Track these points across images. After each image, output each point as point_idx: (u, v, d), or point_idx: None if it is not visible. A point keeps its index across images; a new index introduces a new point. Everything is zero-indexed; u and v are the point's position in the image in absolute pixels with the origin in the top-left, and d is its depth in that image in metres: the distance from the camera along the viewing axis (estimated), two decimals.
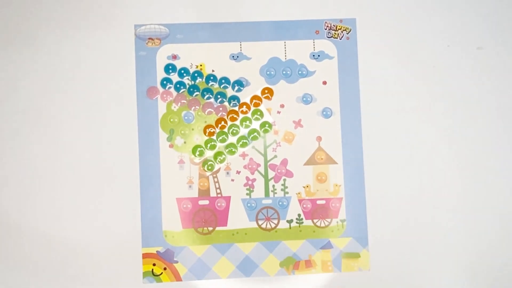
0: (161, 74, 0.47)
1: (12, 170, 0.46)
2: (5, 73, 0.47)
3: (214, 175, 0.47)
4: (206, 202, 0.47)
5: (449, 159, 0.48)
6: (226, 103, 0.47)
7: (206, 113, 0.47)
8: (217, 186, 0.47)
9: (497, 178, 0.48)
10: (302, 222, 0.47)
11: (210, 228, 0.47)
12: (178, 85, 0.47)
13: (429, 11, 0.49)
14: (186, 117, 0.47)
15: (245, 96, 0.48)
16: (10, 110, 0.47)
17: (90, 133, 0.47)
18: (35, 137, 0.46)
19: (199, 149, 0.47)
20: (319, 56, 0.48)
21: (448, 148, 0.48)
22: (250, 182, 0.47)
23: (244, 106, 0.48)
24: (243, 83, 0.48)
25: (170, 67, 0.47)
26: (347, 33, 0.48)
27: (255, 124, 0.47)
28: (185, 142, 0.47)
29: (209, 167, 0.47)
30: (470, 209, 0.48)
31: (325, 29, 0.48)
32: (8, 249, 0.46)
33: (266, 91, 0.48)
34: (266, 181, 0.47)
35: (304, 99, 0.48)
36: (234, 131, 0.47)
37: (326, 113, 0.48)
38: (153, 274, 0.46)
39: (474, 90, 0.48)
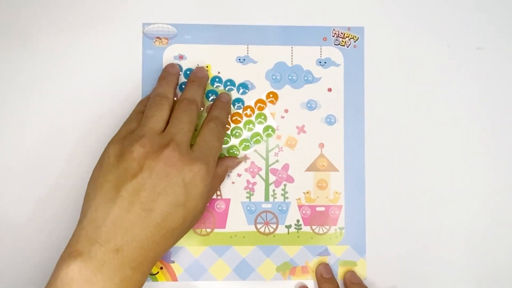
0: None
1: (13, 169, 0.46)
2: (6, 70, 0.47)
3: None
4: None
5: (453, 169, 0.48)
6: None
7: None
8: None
9: (499, 182, 0.48)
10: (301, 228, 0.47)
11: (208, 230, 0.47)
12: (183, 86, 0.47)
13: (440, 25, 0.49)
14: None
15: (249, 99, 0.48)
16: (11, 107, 0.46)
17: (95, 131, 0.47)
18: (37, 135, 0.46)
19: None
20: (325, 63, 0.48)
21: (453, 158, 0.48)
22: (250, 186, 0.47)
23: (248, 109, 0.48)
24: (248, 86, 0.48)
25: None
26: (355, 41, 0.48)
27: (258, 128, 0.47)
28: None
29: None
30: (474, 222, 0.48)
31: (333, 36, 0.48)
32: (6, 247, 0.46)
33: (271, 95, 0.48)
34: (267, 185, 0.47)
35: (309, 105, 0.48)
36: (237, 134, 0.47)
37: (330, 120, 0.48)
38: (149, 273, 0.46)
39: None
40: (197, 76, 0.46)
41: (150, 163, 0.38)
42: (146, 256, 0.38)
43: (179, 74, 0.47)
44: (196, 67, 0.47)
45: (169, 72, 0.46)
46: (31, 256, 0.45)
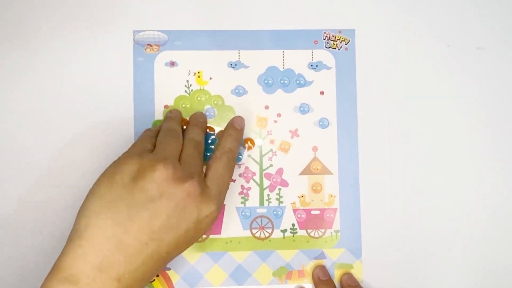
0: (158, 82, 0.47)
1: (10, 173, 0.46)
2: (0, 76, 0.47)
3: None
4: None
5: (450, 171, 0.48)
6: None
7: None
8: None
9: (498, 184, 0.48)
10: (296, 232, 0.47)
11: (204, 236, 0.47)
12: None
13: (439, 25, 0.49)
14: None
15: (242, 103, 0.47)
16: (6, 113, 0.46)
17: (86, 138, 0.46)
18: (30, 141, 0.46)
19: None
20: (317, 66, 0.48)
21: (450, 160, 0.48)
22: (245, 191, 0.47)
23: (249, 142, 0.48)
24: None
25: None
26: (346, 44, 0.48)
27: None
28: None
29: None
30: (471, 225, 0.48)
31: (324, 39, 0.48)
32: (4, 245, 0.45)
33: (249, 141, 0.47)
34: (261, 190, 0.47)
35: (301, 108, 0.48)
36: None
37: (323, 124, 0.48)
38: None
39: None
40: (199, 121, 0.45)
41: (171, 190, 0.36)
42: (141, 285, 0.36)
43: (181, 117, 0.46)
44: (197, 112, 0.47)
45: (174, 110, 0.46)
46: (24, 262, 0.45)
